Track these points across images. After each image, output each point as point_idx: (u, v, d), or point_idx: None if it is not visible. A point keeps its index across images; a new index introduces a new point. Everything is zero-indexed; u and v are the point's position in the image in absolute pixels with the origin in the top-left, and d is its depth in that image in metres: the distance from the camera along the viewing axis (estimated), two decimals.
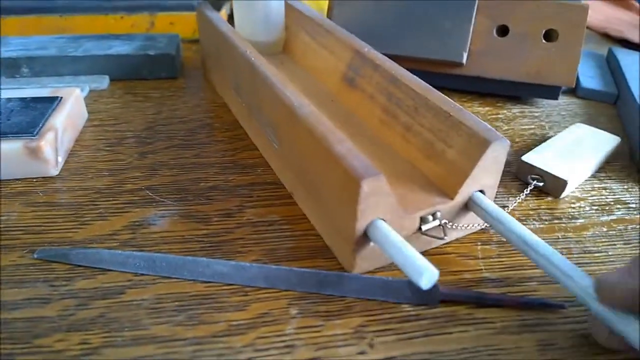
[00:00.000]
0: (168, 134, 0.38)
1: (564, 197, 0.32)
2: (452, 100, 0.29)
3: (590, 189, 0.33)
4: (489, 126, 0.26)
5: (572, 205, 0.32)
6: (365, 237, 0.24)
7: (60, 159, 0.33)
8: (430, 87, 0.30)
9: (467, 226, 0.27)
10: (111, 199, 0.31)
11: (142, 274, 0.25)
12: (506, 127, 0.41)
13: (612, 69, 0.50)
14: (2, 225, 0.28)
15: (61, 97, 0.36)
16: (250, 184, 0.33)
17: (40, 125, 0.32)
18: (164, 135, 0.38)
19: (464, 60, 0.43)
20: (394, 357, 0.22)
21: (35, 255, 0.26)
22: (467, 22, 0.42)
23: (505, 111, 0.43)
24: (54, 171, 0.32)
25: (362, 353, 0.22)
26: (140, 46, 0.47)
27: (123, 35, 0.49)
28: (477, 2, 0.42)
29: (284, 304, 0.24)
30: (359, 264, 0.25)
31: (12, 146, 0.31)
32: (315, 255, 0.27)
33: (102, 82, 0.45)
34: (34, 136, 0.31)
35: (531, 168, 0.33)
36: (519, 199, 0.31)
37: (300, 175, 0.29)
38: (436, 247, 0.27)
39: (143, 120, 0.40)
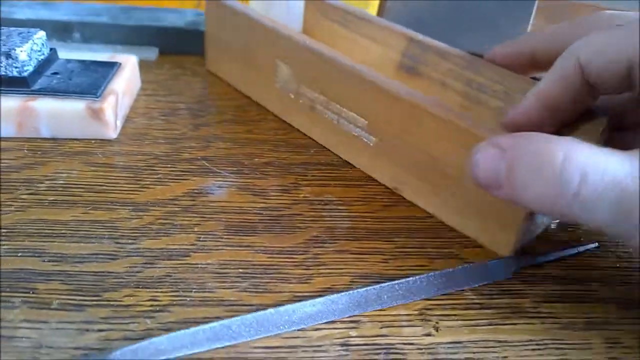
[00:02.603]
0: (219, 109, 0.38)
1: None
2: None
3: None
4: None
5: None
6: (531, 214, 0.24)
7: (119, 123, 0.33)
8: (511, 72, 0.31)
9: None
10: (169, 165, 0.31)
11: (205, 240, 0.25)
12: None
13: None
14: (62, 182, 0.28)
15: (120, 63, 0.36)
16: (304, 163, 0.33)
17: (103, 88, 0.32)
18: (215, 110, 0.38)
19: None
20: (461, 341, 0.21)
21: None
22: (525, 22, 0.42)
23: None
24: (113, 134, 0.32)
25: (428, 335, 0.22)
26: (190, 21, 0.47)
27: (174, 9, 0.49)
28: (536, 2, 0.42)
29: (347, 280, 0.24)
30: (517, 242, 0.25)
31: (75, 105, 0.31)
32: (373, 237, 0.27)
33: (152, 54, 0.45)
34: (97, 97, 0.31)
35: None
36: None
37: (415, 168, 0.28)
38: None
39: (193, 94, 0.40)
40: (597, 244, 0.28)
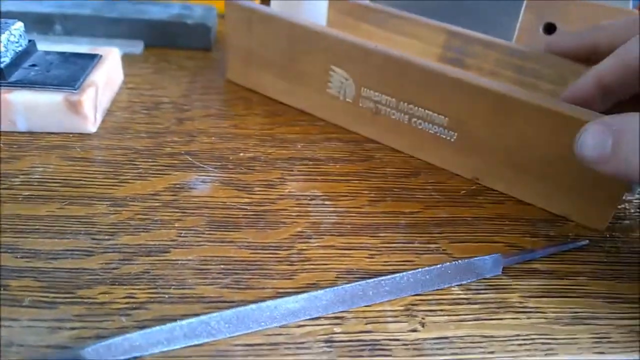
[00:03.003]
0: (204, 103, 0.37)
1: None
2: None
3: None
4: None
5: None
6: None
7: (98, 117, 0.32)
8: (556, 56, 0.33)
9: None
10: (150, 160, 0.30)
11: (186, 236, 0.24)
12: None
13: None
14: (38, 177, 0.27)
15: (101, 55, 0.35)
16: (290, 158, 0.32)
17: (81, 80, 0.31)
18: (201, 104, 0.37)
19: None
20: (447, 337, 0.21)
21: None
22: (514, 18, 0.42)
23: None
24: (92, 128, 0.32)
25: (413, 331, 0.21)
26: (177, 14, 0.46)
27: (159, 2, 0.48)
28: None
29: (332, 276, 0.23)
30: (611, 215, 0.27)
31: (53, 98, 0.30)
32: (359, 232, 0.26)
33: (137, 47, 0.45)
34: (75, 90, 0.30)
35: None
36: None
37: (501, 156, 0.29)
38: None
39: (178, 88, 0.39)
40: (587, 241, 0.27)
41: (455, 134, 0.30)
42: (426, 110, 0.31)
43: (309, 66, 0.35)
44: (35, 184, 0.27)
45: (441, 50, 0.37)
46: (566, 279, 0.25)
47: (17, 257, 0.22)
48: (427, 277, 0.23)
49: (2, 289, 0.20)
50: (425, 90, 0.30)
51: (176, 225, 0.25)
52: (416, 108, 0.31)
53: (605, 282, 0.25)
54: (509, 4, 0.42)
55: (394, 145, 0.34)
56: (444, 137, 0.31)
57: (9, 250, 0.22)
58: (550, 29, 0.42)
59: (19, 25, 0.32)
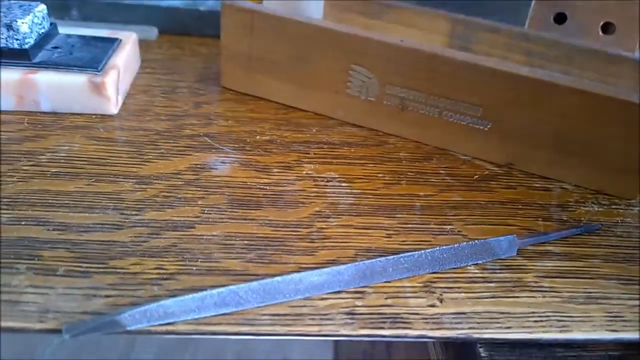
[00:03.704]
0: (220, 88, 0.38)
1: None
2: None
3: None
4: None
5: None
6: None
7: (119, 99, 0.33)
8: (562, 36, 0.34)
9: None
10: (171, 141, 0.31)
11: (209, 213, 0.25)
12: None
13: None
14: (64, 155, 0.28)
15: (121, 39, 0.36)
16: (306, 142, 0.33)
17: (104, 63, 0.32)
18: (216, 89, 0.38)
19: None
20: (465, 312, 0.22)
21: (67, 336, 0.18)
22: (525, 6, 0.42)
23: None
24: (114, 110, 0.32)
25: (432, 306, 0.22)
26: (190, 2, 0.47)
27: None
28: None
29: (351, 254, 0.24)
30: None
31: (76, 79, 0.31)
32: (376, 213, 0.27)
33: (152, 33, 0.45)
34: (98, 71, 0.31)
35: None
36: None
37: (537, 140, 0.31)
38: None
39: (194, 74, 0.39)
40: (599, 225, 0.28)
41: (490, 123, 0.31)
42: (459, 103, 0.31)
43: (325, 67, 0.34)
44: (62, 161, 0.27)
45: (447, 39, 0.37)
46: (579, 261, 0.26)
47: (48, 230, 0.23)
48: (445, 255, 0.24)
49: (36, 259, 0.21)
50: (458, 83, 0.31)
51: (199, 203, 0.26)
52: (447, 101, 0.32)
53: (618, 265, 0.26)
54: None
55: (421, 139, 0.34)
56: (478, 126, 0.32)
57: (40, 223, 0.23)
58: (561, 18, 0.43)
59: (42, 7, 0.33)
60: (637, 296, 0.24)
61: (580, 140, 0.30)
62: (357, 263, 0.22)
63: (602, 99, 0.28)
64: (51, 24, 0.34)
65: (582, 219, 0.29)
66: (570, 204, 0.30)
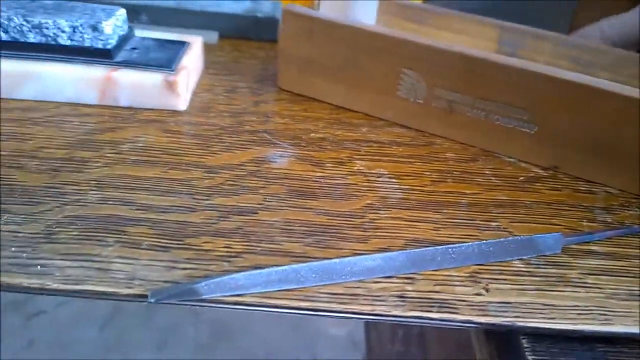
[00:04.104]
0: (276, 89, 0.40)
1: None
2: None
3: None
4: None
5: None
6: None
7: (188, 96, 0.36)
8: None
9: None
10: (234, 136, 0.33)
11: (270, 201, 0.27)
12: None
13: None
14: (142, 145, 0.31)
15: (188, 43, 0.39)
16: (356, 140, 0.35)
17: (176, 63, 0.35)
18: (273, 89, 0.40)
19: None
20: (510, 302, 0.23)
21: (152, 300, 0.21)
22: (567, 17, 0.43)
23: None
24: (183, 106, 0.35)
25: (478, 294, 0.23)
26: (248, 8, 0.50)
27: None
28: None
29: (401, 243, 0.26)
30: None
31: (153, 77, 0.34)
32: (424, 207, 0.29)
33: (213, 37, 0.48)
34: (172, 71, 0.34)
35: None
36: None
37: (582, 145, 0.31)
38: None
39: (252, 75, 0.42)
40: None
41: (536, 126, 0.32)
42: (506, 106, 0.33)
43: (377, 70, 0.36)
44: (140, 150, 0.30)
45: (494, 45, 0.38)
46: (623, 261, 0.26)
47: (132, 209, 0.25)
48: (491, 249, 0.25)
49: (122, 234, 0.24)
50: (505, 87, 0.32)
51: (261, 192, 0.28)
52: (494, 104, 0.33)
53: None
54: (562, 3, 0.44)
55: (467, 141, 0.35)
56: (524, 130, 0.33)
57: (124, 204, 0.26)
58: None
59: (122, 11, 0.36)
60: None
61: (624, 146, 0.30)
62: (408, 251, 0.24)
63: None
64: (129, 27, 0.38)
65: (626, 221, 0.29)
66: (614, 207, 0.31)
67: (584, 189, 0.32)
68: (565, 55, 0.37)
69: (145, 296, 0.20)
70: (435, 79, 0.34)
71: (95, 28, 0.33)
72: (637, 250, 0.27)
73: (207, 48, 0.46)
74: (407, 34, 0.35)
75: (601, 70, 0.36)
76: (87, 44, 0.33)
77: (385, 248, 0.25)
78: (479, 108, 0.34)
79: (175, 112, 0.35)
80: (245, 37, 0.49)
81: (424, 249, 0.24)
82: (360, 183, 0.30)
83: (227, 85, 0.40)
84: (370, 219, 0.27)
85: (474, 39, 0.40)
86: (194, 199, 0.27)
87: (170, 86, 0.34)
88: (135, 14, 0.48)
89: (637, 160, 0.31)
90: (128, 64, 0.34)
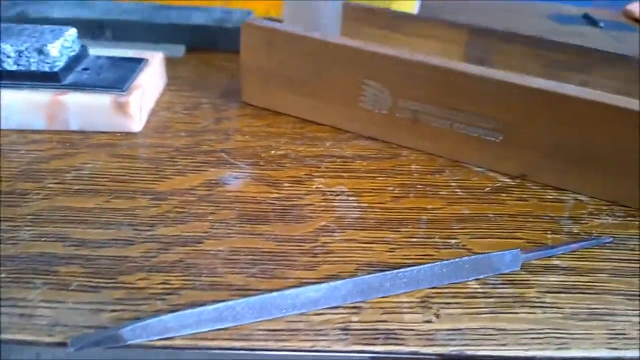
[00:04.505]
0: (241, 103, 0.39)
1: None
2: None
3: None
4: None
5: None
6: None
7: (143, 117, 0.35)
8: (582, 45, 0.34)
9: None
10: (189, 157, 0.32)
11: (218, 228, 0.26)
12: None
13: None
14: (88, 172, 0.30)
15: (147, 59, 0.38)
16: (319, 155, 0.33)
17: (129, 83, 0.34)
18: (237, 104, 0.39)
19: None
20: (460, 329, 0.22)
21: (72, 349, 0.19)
22: None
23: None
24: (138, 127, 0.34)
25: (428, 322, 0.22)
26: (217, 19, 0.49)
27: (201, 8, 0.51)
28: None
29: (352, 268, 0.25)
30: None
31: (102, 99, 0.33)
32: (381, 227, 0.27)
33: (179, 51, 0.47)
34: (123, 92, 0.33)
35: None
36: None
37: (551, 152, 0.30)
38: None
39: (217, 89, 0.41)
40: (611, 238, 0.27)
41: (502, 135, 0.31)
42: (470, 115, 0.31)
43: (340, 82, 0.35)
44: (86, 179, 0.29)
45: (462, 49, 0.37)
46: (586, 276, 0.25)
47: (66, 246, 0.24)
48: (444, 270, 0.24)
49: (52, 274, 0.23)
50: (470, 96, 0.31)
51: (209, 218, 0.27)
52: (458, 113, 0.32)
53: (626, 279, 0.25)
54: None
55: (433, 151, 0.34)
56: (489, 138, 0.32)
57: (60, 240, 0.25)
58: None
59: (73, 31, 0.35)
60: None
61: (593, 151, 0.29)
62: (354, 278, 0.23)
63: (613, 109, 0.27)
64: (82, 46, 0.37)
65: (594, 231, 0.28)
66: (583, 216, 0.29)
67: (552, 197, 0.31)
68: (534, 56, 0.36)
69: (66, 344, 0.19)
70: (399, 90, 0.33)
71: (40, 51, 0.32)
72: (603, 263, 0.26)
73: (173, 62, 0.45)
74: (368, 44, 0.33)
75: (570, 71, 0.35)
76: (33, 67, 0.32)
77: (334, 275, 0.24)
78: (444, 118, 0.32)
79: (128, 134, 0.34)
80: (214, 48, 0.48)
81: (372, 275, 0.23)
82: (316, 203, 0.29)
83: (188, 102, 0.39)
84: (323, 242, 0.26)
85: (443, 43, 0.39)
86: (135, 230, 0.26)
87: (121, 107, 0.33)
88: (99, 31, 0.47)
89: (606, 166, 0.29)
90: (76, 86, 0.33)
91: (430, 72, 0.31)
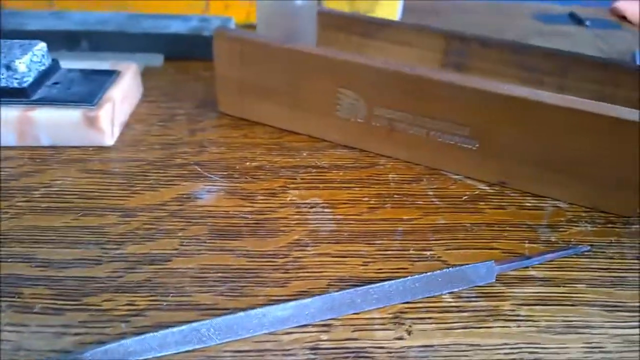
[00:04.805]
0: (217, 113, 0.39)
1: None
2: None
3: None
4: None
5: None
6: None
7: (116, 130, 0.34)
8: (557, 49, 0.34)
9: None
10: (162, 171, 0.32)
11: (188, 245, 0.26)
12: None
13: None
14: (57, 189, 0.29)
15: (119, 71, 0.37)
16: (295, 166, 0.33)
17: (99, 96, 0.33)
18: (214, 115, 0.38)
19: None
20: (432, 345, 0.21)
21: None
22: None
23: None
24: (110, 141, 0.33)
25: (400, 339, 0.22)
26: (195, 27, 0.48)
27: (179, 16, 0.50)
28: None
29: (324, 284, 0.24)
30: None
31: (72, 114, 0.32)
32: (355, 240, 0.27)
33: (157, 60, 0.47)
34: (92, 106, 0.32)
35: None
36: None
37: (528, 159, 0.30)
38: None
39: (194, 99, 0.41)
40: (588, 247, 0.27)
41: (477, 142, 0.31)
42: (445, 122, 0.31)
43: (314, 91, 0.34)
44: (54, 196, 0.29)
45: (440, 55, 0.37)
46: (563, 287, 0.25)
47: (32, 267, 0.24)
48: (417, 285, 0.24)
49: (16, 296, 0.22)
50: (444, 103, 0.31)
51: (179, 235, 0.27)
52: (434, 121, 0.31)
53: (604, 290, 0.25)
54: None
55: (410, 159, 0.34)
56: (465, 146, 0.31)
57: (26, 260, 0.24)
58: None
59: (42, 46, 0.34)
60: (622, 325, 0.23)
61: (571, 157, 0.29)
62: (324, 295, 0.22)
63: (588, 115, 0.27)
64: (52, 60, 0.36)
65: (573, 240, 0.28)
66: (561, 223, 0.29)
67: (530, 205, 0.30)
68: (511, 61, 0.36)
69: None
70: (373, 98, 0.33)
71: (8, 67, 0.31)
72: (581, 273, 0.26)
73: (151, 72, 0.45)
74: (341, 53, 0.33)
75: (547, 75, 0.35)
76: (2, 84, 0.32)
77: (305, 291, 0.24)
78: (419, 125, 0.32)
79: (101, 149, 0.33)
80: (192, 57, 0.48)
81: (342, 292, 0.23)
82: (290, 216, 0.29)
83: (164, 113, 0.38)
84: (295, 257, 0.26)
85: (421, 50, 0.39)
86: (103, 249, 0.25)
87: (92, 122, 0.32)
88: (75, 42, 0.47)
89: (584, 172, 0.29)
90: (46, 101, 0.32)
91: (404, 80, 0.31)
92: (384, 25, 0.40)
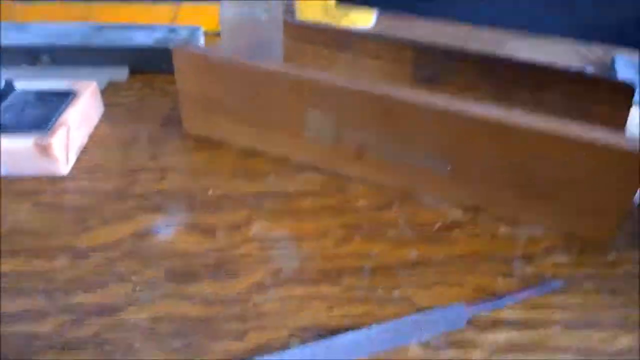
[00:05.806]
0: (181, 134, 0.37)
1: None
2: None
3: None
4: None
5: None
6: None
7: (71, 157, 0.32)
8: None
9: None
10: (119, 203, 0.30)
11: (141, 291, 0.24)
12: None
13: None
14: (8, 228, 0.28)
15: (76, 92, 0.35)
16: (260, 193, 0.32)
17: (53, 121, 0.31)
18: (177, 135, 0.37)
19: None
20: None
21: None
22: None
23: None
24: (64, 170, 0.32)
25: None
26: (161, 38, 0.46)
27: (146, 26, 0.48)
28: None
29: (285, 334, 0.23)
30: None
31: (24, 142, 0.30)
32: (321, 279, 0.26)
33: (122, 74, 0.45)
34: (45, 132, 0.31)
35: None
36: None
37: (503, 183, 0.29)
38: None
39: (158, 117, 0.39)
40: (562, 282, 0.26)
41: (449, 165, 0.29)
42: (416, 144, 0.30)
43: (281, 110, 0.32)
44: (4, 236, 0.27)
45: (411, 68, 0.35)
46: (536, 330, 0.24)
47: None
48: (384, 334, 0.22)
49: None
50: (413, 124, 0.29)
51: (133, 279, 0.25)
52: (403, 144, 0.30)
53: (579, 333, 0.24)
54: None
55: (381, 182, 0.32)
56: (436, 169, 0.30)
57: None
58: None
59: None
60: None
61: (546, 181, 0.28)
62: (283, 351, 0.21)
63: (565, 140, 0.26)
64: (6, 82, 0.34)
65: (548, 272, 0.27)
66: (536, 253, 0.28)
67: (504, 232, 0.29)
68: (487, 74, 0.34)
69: None
70: (341, 118, 0.31)
71: None
72: (555, 315, 0.25)
73: (115, 87, 0.43)
74: (308, 71, 0.31)
75: (524, 89, 0.34)
76: None
77: (263, 344, 0.22)
78: (390, 147, 0.31)
79: (55, 178, 0.31)
80: (159, 70, 0.46)
81: (303, 346, 0.21)
82: (254, 253, 0.27)
83: (124, 134, 0.37)
84: (255, 303, 0.24)
85: (391, 63, 0.37)
86: (50, 299, 0.24)
87: (44, 150, 0.30)
88: (35, 56, 0.44)
89: (559, 197, 0.28)
90: None
91: (370, 99, 0.30)
92: (354, 36, 0.38)
